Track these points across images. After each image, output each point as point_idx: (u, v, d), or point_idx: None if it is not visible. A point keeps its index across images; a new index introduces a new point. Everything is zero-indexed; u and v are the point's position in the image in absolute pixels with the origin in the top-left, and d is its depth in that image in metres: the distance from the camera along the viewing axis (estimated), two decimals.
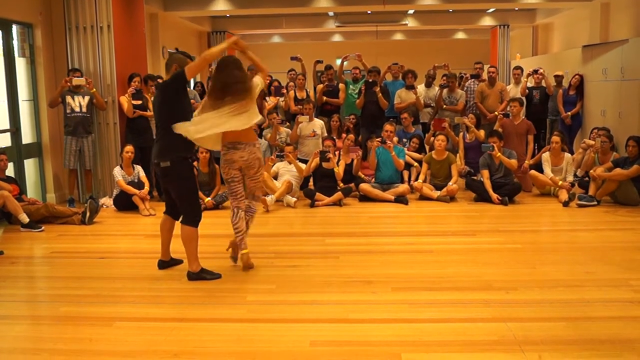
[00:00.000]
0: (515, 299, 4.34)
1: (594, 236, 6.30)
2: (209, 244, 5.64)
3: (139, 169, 7.89)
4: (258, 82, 5.05)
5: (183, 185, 4.88)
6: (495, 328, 3.81)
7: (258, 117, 4.98)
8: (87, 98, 8.03)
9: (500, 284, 4.67)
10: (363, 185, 8.19)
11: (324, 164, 8.07)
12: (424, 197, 8.16)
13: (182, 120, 4.76)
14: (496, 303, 4.25)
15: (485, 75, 10.33)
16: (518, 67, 10.71)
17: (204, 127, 4.75)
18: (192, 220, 4.89)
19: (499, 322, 3.91)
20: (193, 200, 4.96)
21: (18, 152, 7.99)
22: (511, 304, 4.24)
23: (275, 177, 8.25)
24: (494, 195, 7.79)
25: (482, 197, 7.98)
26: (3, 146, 7.66)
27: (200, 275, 4.91)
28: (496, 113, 9.24)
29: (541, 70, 10.05)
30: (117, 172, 7.73)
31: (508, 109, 9.06)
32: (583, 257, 5.43)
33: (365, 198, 8.16)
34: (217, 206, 7.74)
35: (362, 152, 8.59)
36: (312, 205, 7.86)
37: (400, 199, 8.00)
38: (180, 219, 4.97)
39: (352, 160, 8.52)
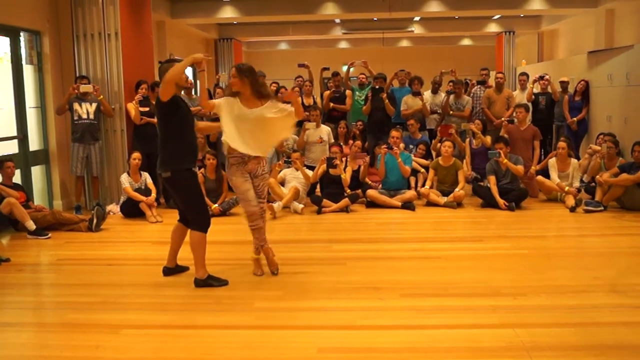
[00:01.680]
0: (523, 305, 4.33)
1: (601, 241, 6.29)
2: (217, 251, 5.64)
3: (146, 175, 7.91)
4: (288, 108, 5.09)
5: (187, 194, 4.90)
6: (503, 334, 3.80)
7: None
8: (94, 105, 8.06)
9: (508, 289, 4.66)
10: (370, 192, 8.19)
11: (331, 171, 8.07)
12: (430, 203, 8.15)
13: (177, 134, 4.84)
14: (504, 309, 4.24)
15: (492, 81, 10.33)
16: (524, 74, 10.71)
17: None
18: (201, 226, 4.90)
19: (506, 328, 3.89)
20: (200, 207, 4.96)
21: (25, 159, 8.01)
22: (519, 310, 4.22)
23: (283, 184, 8.25)
24: (501, 201, 7.78)
25: (488, 203, 7.96)
26: (10, 153, 7.68)
27: (207, 281, 4.91)
28: (502, 119, 9.22)
29: (547, 77, 10.05)
30: (124, 179, 7.75)
31: (514, 115, 9.06)
32: (590, 263, 5.41)
33: (372, 204, 8.16)
34: (224, 213, 7.74)
35: (369, 158, 8.59)
36: (319, 212, 7.86)
37: (407, 205, 7.99)
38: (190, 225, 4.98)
39: (359, 166, 8.52)
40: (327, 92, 9.89)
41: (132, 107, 8.28)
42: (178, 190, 4.91)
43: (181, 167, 4.83)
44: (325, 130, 8.99)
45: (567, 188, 7.96)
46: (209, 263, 5.00)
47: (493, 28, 16.55)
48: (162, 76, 4.97)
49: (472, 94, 10.20)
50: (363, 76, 10.15)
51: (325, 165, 8.05)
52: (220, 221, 7.38)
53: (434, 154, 9.19)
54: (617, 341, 3.67)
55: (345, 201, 7.91)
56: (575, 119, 9.85)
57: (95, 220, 7.07)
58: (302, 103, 9.71)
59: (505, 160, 7.94)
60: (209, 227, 4.94)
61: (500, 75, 10.07)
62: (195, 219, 4.92)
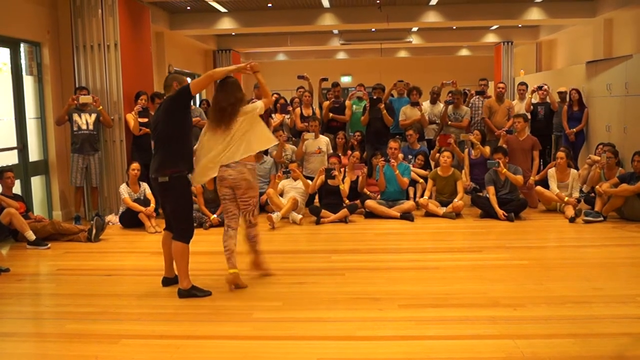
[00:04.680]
0: (523, 316, 4.32)
1: (600, 252, 6.27)
2: (215, 261, 5.64)
3: (145, 186, 7.91)
4: (257, 105, 5.11)
5: (179, 201, 4.90)
6: (502, 345, 3.79)
7: (260, 145, 5.07)
8: (93, 116, 8.08)
9: (507, 300, 4.65)
10: (368, 202, 8.19)
11: (330, 181, 8.07)
12: (429, 214, 8.15)
13: (181, 137, 4.86)
14: (503, 320, 4.23)
15: (492, 91, 10.33)
16: (523, 83, 10.73)
17: (204, 169, 5.00)
18: (184, 236, 4.90)
19: (506, 339, 3.88)
20: (187, 217, 4.95)
21: (25, 169, 8.02)
22: (518, 321, 4.22)
23: (281, 195, 8.25)
24: (500, 212, 7.78)
25: (487, 213, 7.96)
26: (10, 164, 7.70)
27: (191, 292, 4.90)
28: (502, 130, 9.23)
29: (545, 87, 10.06)
30: (123, 189, 7.75)
31: (513, 125, 9.06)
32: (590, 273, 5.40)
33: (370, 215, 8.16)
34: (222, 223, 7.70)
35: (367, 169, 8.60)
36: (317, 222, 7.86)
37: (406, 216, 7.99)
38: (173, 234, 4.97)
39: (358, 177, 8.52)
40: (326, 103, 9.90)
41: (131, 118, 8.30)
42: (171, 197, 4.89)
43: (179, 171, 4.83)
44: (323, 141, 9.00)
45: (566, 198, 7.96)
46: (206, 273, 5.01)
47: (491, 38, 16.60)
48: (167, 86, 5.00)
49: (470, 104, 10.20)
50: (362, 87, 10.19)
51: (323, 176, 8.05)
52: (219, 231, 7.34)
53: (432, 164, 9.20)
54: (619, 352, 3.66)
55: (344, 212, 7.91)
56: (573, 130, 9.86)
57: (94, 231, 7.07)
58: (301, 114, 9.74)
59: (505, 170, 7.94)
60: (191, 239, 4.94)
61: (501, 85, 10.08)
62: (181, 228, 4.91)
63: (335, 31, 16.14)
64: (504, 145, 8.61)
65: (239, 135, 4.96)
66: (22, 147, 7.99)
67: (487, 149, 8.80)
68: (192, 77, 13.01)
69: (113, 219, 8.11)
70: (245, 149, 4.98)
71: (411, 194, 8.63)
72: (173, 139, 4.84)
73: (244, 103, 5.04)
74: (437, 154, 8.74)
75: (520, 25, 15.41)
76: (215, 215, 7.73)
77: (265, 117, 9.31)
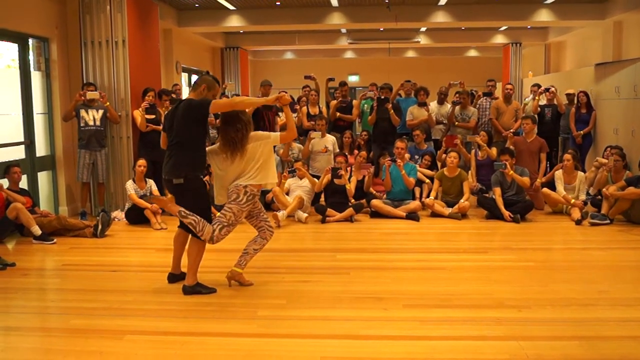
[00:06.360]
0: (528, 317, 4.31)
1: (606, 255, 6.25)
2: (218, 259, 5.63)
3: (151, 182, 7.92)
4: (272, 135, 5.10)
5: (196, 202, 4.90)
6: (507, 346, 3.78)
7: (269, 180, 5.01)
8: (100, 112, 8.10)
9: (513, 302, 4.64)
10: (374, 202, 8.18)
11: (336, 181, 8.06)
12: (435, 214, 8.13)
13: (197, 142, 4.86)
14: (508, 321, 4.22)
15: (500, 92, 10.31)
16: (536, 85, 10.69)
17: (222, 191, 5.04)
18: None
19: (511, 340, 3.87)
20: (205, 216, 4.97)
21: (32, 164, 8.04)
22: (523, 322, 4.20)
23: (287, 194, 8.25)
24: (506, 213, 7.76)
25: (493, 214, 7.94)
26: (17, 159, 7.71)
27: (195, 289, 4.91)
28: (510, 131, 9.20)
29: (552, 89, 10.03)
30: (130, 185, 7.77)
31: (522, 126, 9.03)
32: (596, 276, 5.38)
33: (376, 214, 8.15)
34: None
35: (373, 168, 8.58)
36: (323, 221, 7.85)
37: (412, 216, 7.97)
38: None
39: (364, 176, 8.52)
40: (333, 102, 9.90)
41: (138, 115, 8.31)
42: (188, 198, 4.89)
43: (194, 172, 4.85)
44: (330, 140, 8.99)
45: (573, 201, 7.93)
46: (211, 271, 5.02)
47: (499, 39, 16.58)
48: (195, 85, 4.98)
49: (477, 105, 10.18)
50: (374, 86, 10.22)
51: (330, 175, 8.04)
52: None
53: (439, 164, 9.18)
54: (624, 355, 3.64)
55: (349, 211, 7.90)
56: (580, 132, 9.82)
57: (100, 227, 7.08)
58: (308, 112, 9.74)
59: (511, 172, 7.92)
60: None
61: (509, 86, 10.05)
62: None
63: (343, 30, 16.14)
64: (511, 147, 8.58)
65: (259, 162, 4.92)
66: (29, 142, 8.01)
67: (494, 151, 8.77)
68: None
69: (119, 215, 8.13)
70: (259, 178, 4.94)
71: (417, 194, 8.61)
72: (188, 145, 4.82)
73: (251, 124, 5.01)
74: (444, 155, 8.73)
75: (529, 27, 15.38)
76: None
77: (272, 115, 9.32)
